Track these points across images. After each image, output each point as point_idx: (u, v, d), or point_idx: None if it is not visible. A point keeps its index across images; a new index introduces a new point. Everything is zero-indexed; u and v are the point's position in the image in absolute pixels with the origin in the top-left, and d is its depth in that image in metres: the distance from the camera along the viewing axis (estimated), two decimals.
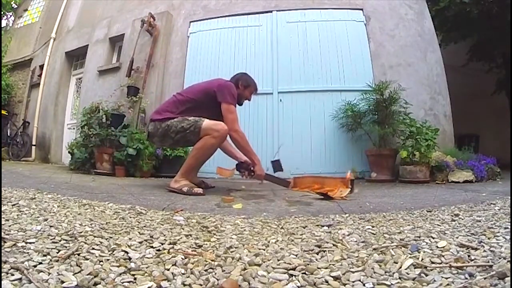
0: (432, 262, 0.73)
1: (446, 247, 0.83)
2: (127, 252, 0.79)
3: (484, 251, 0.79)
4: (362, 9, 4.04)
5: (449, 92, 3.73)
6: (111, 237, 0.92)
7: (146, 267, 0.70)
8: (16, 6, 8.43)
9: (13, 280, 0.59)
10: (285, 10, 4.15)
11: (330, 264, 0.74)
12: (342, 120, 3.55)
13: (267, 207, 1.63)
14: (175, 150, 3.52)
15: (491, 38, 5.15)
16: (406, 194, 2.14)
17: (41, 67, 6.22)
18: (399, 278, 0.65)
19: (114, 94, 4.20)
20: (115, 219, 1.21)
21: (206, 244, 0.91)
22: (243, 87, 2.41)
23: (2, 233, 0.86)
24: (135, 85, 4.09)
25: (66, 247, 0.81)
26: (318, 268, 0.71)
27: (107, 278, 0.63)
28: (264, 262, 0.75)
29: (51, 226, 1.01)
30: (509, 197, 1.66)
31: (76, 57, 5.95)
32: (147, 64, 4.23)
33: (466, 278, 0.63)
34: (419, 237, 0.95)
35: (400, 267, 0.70)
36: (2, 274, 0.61)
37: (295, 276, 0.67)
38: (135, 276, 0.66)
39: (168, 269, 0.69)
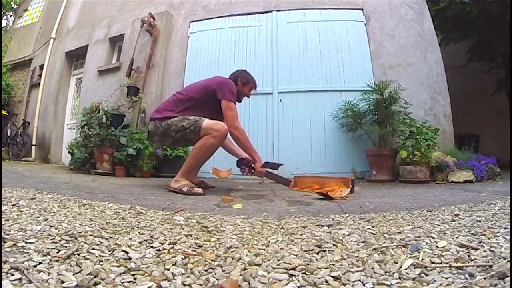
0: (432, 262, 0.73)
1: (446, 247, 0.83)
2: (127, 252, 0.79)
3: (484, 251, 0.79)
4: (362, 9, 4.04)
5: (449, 92, 3.73)
6: (111, 237, 0.92)
7: (146, 267, 0.70)
8: (16, 6, 8.43)
9: (13, 280, 0.59)
10: (285, 10, 4.15)
11: (330, 264, 0.74)
12: (342, 120, 3.55)
13: (267, 207, 1.62)
14: (175, 150, 3.52)
15: (491, 38, 5.15)
16: (406, 194, 2.14)
17: (41, 67, 6.22)
18: (399, 278, 0.65)
19: (114, 94, 4.20)
20: (115, 219, 1.21)
21: (206, 244, 0.91)
22: (242, 84, 2.41)
23: (2, 233, 0.86)
24: (135, 85, 4.09)
25: (66, 247, 0.81)
26: (318, 268, 0.71)
27: (107, 278, 0.63)
28: (264, 262, 0.75)
29: (51, 226, 1.01)
30: (509, 197, 1.66)
31: (76, 57, 5.96)
32: (147, 64, 4.23)
33: (466, 278, 0.63)
34: (419, 237, 0.95)
35: (400, 267, 0.70)
36: (2, 274, 0.61)
37: (295, 276, 0.67)
38: (135, 276, 0.66)
39: (168, 269, 0.69)
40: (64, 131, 5.60)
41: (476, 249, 0.81)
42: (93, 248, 0.81)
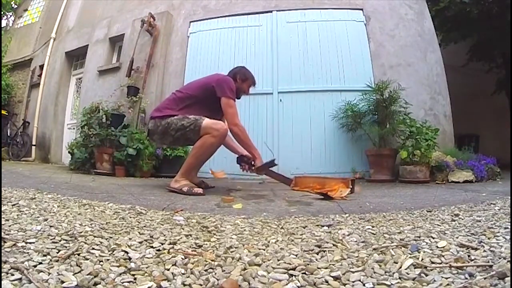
0: (432, 262, 0.73)
1: (446, 247, 0.83)
2: (127, 252, 0.79)
3: (484, 251, 0.79)
4: (362, 9, 4.04)
5: (449, 92, 3.73)
6: (111, 237, 0.92)
7: (146, 267, 0.70)
8: (16, 6, 8.43)
9: (13, 280, 0.59)
10: (285, 10, 4.15)
11: (330, 264, 0.74)
12: (342, 120, 3.55)
13: (267, 207, 1.62)
14: (175, 150, 3.52)
15: (491, 38, 5.15)
16: (406, 194, 2.14)
17: (41, 67, 6.22)
18: (399, 278, 0.65)
19: (114, 94, 4.20)
20: (115, 219, 1.21)
21: (206, 244, 0.91)
22: (241, 80, 2.41)
23: (2, 233, 0.86)
24: (135, 85, 4.09)
25: (66, 247, 0.81)
26: (318, 268, 0.71)
27: (107, 278, 0.63)
28: (264, 262, 0.75)
29: (51, 226, 1.01)
30: (509, 197, 1.66)
31: (76, 57, 5.96)
32: (147, 64, 4.23)
33: (466, 278, 0.63)
34: (419, 237, 0.95)
35: (400, 267, 0.70)
36: (2, 274, 0.61)
37: (295, 276, 0.67)
38: (135, 276, 0.66)
39: (168, 269, 0.69)
40: (64, 131, 5.60)
41: (476, 249, 0.81)
42: (93, 248, 0.81)
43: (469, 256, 0.76)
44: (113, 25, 5.25)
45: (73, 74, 5.95)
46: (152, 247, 0.85)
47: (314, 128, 3.72)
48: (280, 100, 3.83)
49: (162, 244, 0.88)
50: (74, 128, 5.09)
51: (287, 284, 0.63)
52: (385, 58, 3.84)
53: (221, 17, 4.35)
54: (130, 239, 0.91)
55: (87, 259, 0.73)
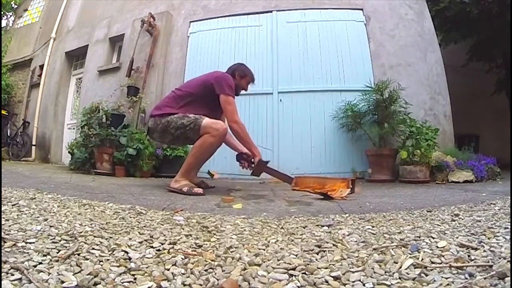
0: (432, 262, 0.73)
1: (446, 247, 0.83)
2: (127, 252, 0.79)
3: (484, 251, 0.79)
4: (362, 9, 4.04)
5: (449, 92, 3.73)
6: (111, 237, 0.92)
7: (146, 267, 0.70)
8: (16, 6, 8.43)
9: (13, 280, 0.59)
10: (285, 10, 4.15)
11: (330, 264, 0.74)
12: (342, 120, 3.55)
13: (267, 207, 1.62)
14: (175, 150, 3.52)
15: (491, 38, 5.15)
16: (406, 194, 2.14)
17: (41, 67, 6.22)
18: (399, 278, 0.65)
19: (114, 94, 4.20)
20: (115, 219, 1.21)
21: (206, 244, 0.91)
22: (240, 77, 2.40)
23: (2, 233, 0.86)
24: (135, 85, 4.09)
25: (66, 247, 0.81)
26: (318, 268, 0.71)
27: (107, 278, 0.63)
28: (264, 262, 0.75)
29: (51, 226, 1.01)
30: (509, 197, 1.66)
31: (76, 57, 5.96)
32: (147, 64, 4.23)
33: (466, 278, 0.63)
34: (419, 237, 0.95)
35: (400, 267, 0.70)
36: (2, 274, 0.61)
37: (295, 276, 0.67)
38: (135, 276, 0.66)
39: (168, 269, 0.69)
40: (64, 131, 5.60)
41: (476, 249, 0.81)
42: (93, 248, 0.81)
43: (469, 256, 0.76)
44: (113, 25, 5.25)
45: (73, 74, 5.95)
46: (152, 247, 0.85)
47: (314, 128, 3.72)
48: (280, 100, 3.83)
49: (162, 244, 0.88)
50: (74, 128, 5.10)
51: (287, 284, 0.63)
52: (385, 58, 3.85)
53: (221, 17, 4.35)
54: (130, 239, 0.91)
55: (87, 259, 0.73)
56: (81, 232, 0.95)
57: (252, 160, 2.29)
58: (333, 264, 0.74)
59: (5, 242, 0.80)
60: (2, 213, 1.12)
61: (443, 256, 0.76)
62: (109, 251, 0.80)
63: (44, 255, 0.73)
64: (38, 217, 1.14)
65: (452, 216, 1.28)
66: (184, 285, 0.62)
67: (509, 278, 0.60)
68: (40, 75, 6.15)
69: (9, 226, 0.98)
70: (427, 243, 0.88)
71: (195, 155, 2.18)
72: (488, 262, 0.71)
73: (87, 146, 3.69)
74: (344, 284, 0.63)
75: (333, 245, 0.89)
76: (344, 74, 3.82)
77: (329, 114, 3.65)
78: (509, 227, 1.01)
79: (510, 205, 1.43)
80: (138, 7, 4.98)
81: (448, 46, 5.46)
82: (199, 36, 4.36)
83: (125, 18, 5.07)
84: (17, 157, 5.76)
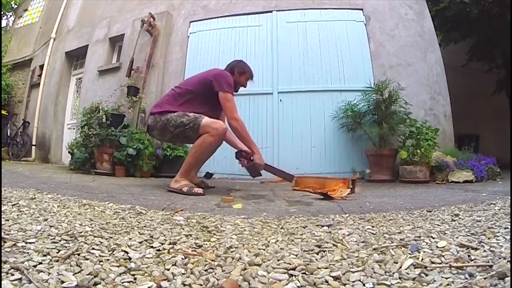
0: (432, 262, 0.73)
1: (446, 247, 0.83)
2: (127, 252, 0.79)
3: (484, 251, 0.79)
4: (362, 9, 4.04)
5: (449, 92, 3.73)
6: (111, 237, 0.92)
7: (146, 267, 0.70)
8: (16, 6, 8.43)
9: (13, 280, 0.59)
10: (285, 10, 4.16)
11: (330, 264, 0.74)
12: (342, 120, 3.55)
13: (267, 207, 1.62)
14: (175, 150, 3.52)
15: (491, 38, 5.15)
16: (406, 194, 2.14)
17: (41, 67, 6.22)
18: (399, 278, 0.65)
19: (114, 94, 4.20)
20: (115, 219, 1.21)
21: (206, 244, 0.91)
22: (239, 74, 2.40)
23: (2, 233, 0.86)
24: (135, 85, 4.09)
25: (66, 247, 0.81)
26: (318, 268, 0.71)
27: (107, 278, 0.63)
28: (264, 262, 0.75)
29: (51, 226, 1.01)
30: (509, 197, 1.66)
31: (76, 57, 5.96)
32: (147, 64, 4.23)
33: (466, 278, 0.63)
34: (419, 237, 0.95)
35: (400, 267, 0.70)
36: (2, 274, 0.61)
37: (295, 276, 0.67)
38: (135, 276, 0.66)
39: (168, 269, 0.69)
40: (64, 131, 5.60)
41: (476, 249, 0.81)
42: (93, 248, 0.81)
43: (469, 256, 0.76)
44: (113, 25, 5.25)
45: (73, 74, 5.95)
46: (152, 247, 0.85)
47: (314, 128, 3.73)
48: (280, 100, 3.83)
49: (162, 244, 0.88)
50: (74, 128, 5.09)
51: (287, 284, 0.63)
52: (385, 58, 3.85)
53: (221, 17, 4.35)
54: (130, 239, 0.91)
55: (87, 259, 0.73)
56: (81, 232, 0.95)
57: (252, 157, 2.28)
58: (333, 264, 0.74)
59: (5, 242, 0.80)
60: (2, 213, 1.12)
61: (443, 256, 0.76)
62: (109, 251, 0.80)
63: (44, 255, 0.73)
64: (38, 217, 1.14)
65: (452, 216, 1.28)
66: (184, 285, 0.62)
67: (509, 278, 0.60)
68: (40, 75, 6.15)
69: (9, 226, 0.98)
70: (427, 243, 0.88)
71: (195, 155, 2.18)
72: (488, 262, 0.71)
73: (87, 146, 3.69)
74: (344, 284, 0.63)
75: (333, 245, 0.89)
76: (344, 74, 3.82)
77: (329, 114, 3.65)
78: (509, 227, 1.01)
79: (510, 205, 1.43)
80: (138, 7, 4.98)
81: (448, 46, 5.46)
82: (199, 36, 4.36)
83: (125, 18, 5.08)
84: (17, 157, 5.76)
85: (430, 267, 0.69)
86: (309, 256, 0.80)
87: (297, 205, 1.70)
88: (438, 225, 1.12)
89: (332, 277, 0.65)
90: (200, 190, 2.07)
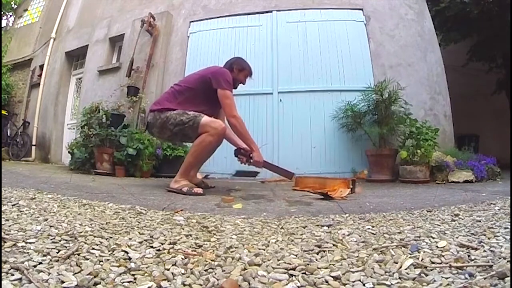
0: (432, 262, 0.73)
1: (446, 247, 0.83)
2: (127, 252, 0.79)
3: (484, 251, 0.79)
4: (362, 9, 4.04)
5: (449, 92, 3.74)
6: (111, 237, 0.92)
7: (146, 267, 0.70)
8: (16, 6, 8.43)
9: (13, 280, 0.59)
10: (285, 10, 4.16)
11: (330, 264, 0.74)
12: (342, 120, 3.55)
13: (267, 207, 1.62)
14: (175, 150, 3.52)
15: (491, 38, 5.15)
16: (406, 194, 2.14)
17: (41, 67, 6.22)
18: (399, 278, 0.65)
19: (114, 94, 4.21)
20: (115, 219, 1.21)
21: (206, 244, 0.91)
22: (237, 71, 2.39)
23: (2, 233, 0.86)
24: (135, 85, 4.09)
25: (66, 247, 0.81)
26: (318, 268, 0.71)
27: (107, 278, 0.63)
28: (264, 262, 0.75)
29: (51, 226, 1.01)
30: (509, 197, 1.66)
31: (76, 57, 5.96)
32: (147, 64, 4.23)
33: (466, 278, 0.63)
34: (419, 237, 0.95)
35: (400, 267, 0.70)
36: (2, 274, 0.61)
37: (295, 276, 0.67)
38: (135, 276, 0.66)
39: (168, 269, 0.69)
40: (64, 131, 5.60)
41: (476, 249, 0.81)
42: (93, 248, 0.81)
43: (469, 256, 0.76)
44: (113, 25, 5.25)
45: (73, 74, 5.95)
46: (152, 247, 0.85)
47: (314, 128, 3.73)
48: (280, 100, 3.83)
49: (162, 244, 0.88)
50: (74, 128, 5.09)
51: (287, 284, 0.63)
52: (385, 58, 3.85)
53: (221, 17, 4.35)
54: (130, 239, 0.91)
55: (87, 259, 0.73)
56: (81, 232, 0.95)
57: (251, 155, 2.27)
58: (333, 264, 0.74)
59: (5, 242, 0.80)
60: (2, 213, 1.12)
61: (443, 256, 0.76)
62: (109, 251, 0.80)
63: (44, 255, 0.73)
64: (38, 217, 1.14)
65: (452, 216, 1.28)
66: (184, 285, 0.62)
67: (509, 278, 0.60)
68: (40, 75, 6.15)
69: (9, 226, 0.98)
70: (427, 243, 0.88)
71: (194, 154, 2.18)
72: (488, 262, 0.71)
73: (87, 146, 3.69)
74: (344, 284, 0.63)
75: (333, 245, 0.89)
76: (344, 74, 3.82)
77: (329, 114, 3.65)
78: (509, 227, 1.01)
79: (510, 205, 1.43)
80: (138, 7, 4.99)
81: (448, 46, 5.46)
82: (199, 36, 4.36)
83: (125, 18, 5.08)
84: (17, 157, 5.76)
85: (430, 267, 0.69)
86: (309, 256, 0.80)
87: (297, 205, 1.70)
88: (438, 225, 1.12)
89: (332, 277, 0.65)
90: (200, 190, 2.07)
